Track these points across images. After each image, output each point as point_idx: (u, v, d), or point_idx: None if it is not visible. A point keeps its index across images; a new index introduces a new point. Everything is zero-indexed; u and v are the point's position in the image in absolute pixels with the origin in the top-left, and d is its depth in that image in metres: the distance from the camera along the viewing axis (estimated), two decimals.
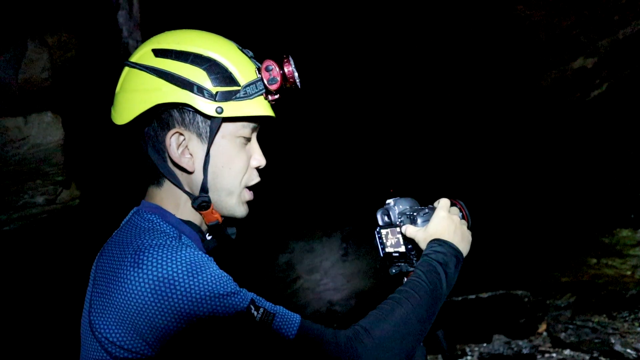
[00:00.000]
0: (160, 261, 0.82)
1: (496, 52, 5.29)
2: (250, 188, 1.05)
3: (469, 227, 1.19)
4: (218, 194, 0.99)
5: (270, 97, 1.00)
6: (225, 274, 0.87)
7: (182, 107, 0.94)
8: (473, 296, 5.16)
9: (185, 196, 1.00)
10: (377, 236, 1.23)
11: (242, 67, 0.97)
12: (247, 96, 0.96)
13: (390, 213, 1.19)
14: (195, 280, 0.82)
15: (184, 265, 0.82)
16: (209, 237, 1.07)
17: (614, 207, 5.89)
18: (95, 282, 0.90)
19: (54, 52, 2.82)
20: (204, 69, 0.94)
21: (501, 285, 5.33)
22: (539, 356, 4.30)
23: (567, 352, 4.31)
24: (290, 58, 1.00)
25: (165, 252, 0.84)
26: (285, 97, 1.03)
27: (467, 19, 5.03)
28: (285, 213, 6.93)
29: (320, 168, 6.75)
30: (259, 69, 0.99)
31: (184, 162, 0.96)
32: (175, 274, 0.81)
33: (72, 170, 3.24)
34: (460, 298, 5.17)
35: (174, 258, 0.83)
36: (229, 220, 1.06)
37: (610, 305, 4.64)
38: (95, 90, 3.18)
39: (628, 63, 5.11)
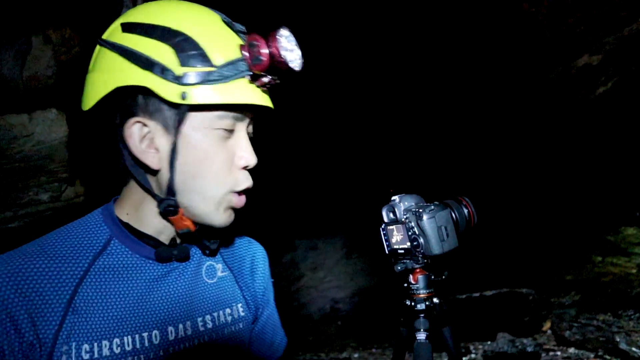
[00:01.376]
0: None
1: (501, 49, 5.27)
2: (242, 192, 0.86)
3: (475, 223, 1.18)
4: (189, 197, 0.82)
5: (259, 81, 0.80)
6: None
7: (146, 91, 0.78)
8: (477, 294, 5.15)
9: (150, 198, 0.84)
10: (382, 233, 1.22)
11: (220, 43, 0.79)
12: (222, 79, 0.77)
13: (396, 210, 1.18)
14: None
15: None
16: (173, 243, 0.89)
17: (620, 205, 5.86)
18: None
19: (58, 49, 2.82)
20: (171, 45, 0.77)
21: (505, 283, 5.32)
22: (543, 354, 4.28)
23: (571, 350, 4.30)
24: (282, 31, 0.79)
25: None
26: (287, 83, 0.83)
27: (472, 15, 5.01)
28: (289, 211, 6.94)
29: (325, 166, 6.75)
30: (243, 47, 0.79)
31: (148, 159, 0.81)
32: None
33: (76, 168, 3.25)
34: (464, 296, 5.16)
35: None
36: (207, 228, 0.88)
37: (615, 304, 4.61)
38: None
39: (633, 60, 5.08)
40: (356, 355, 5.32)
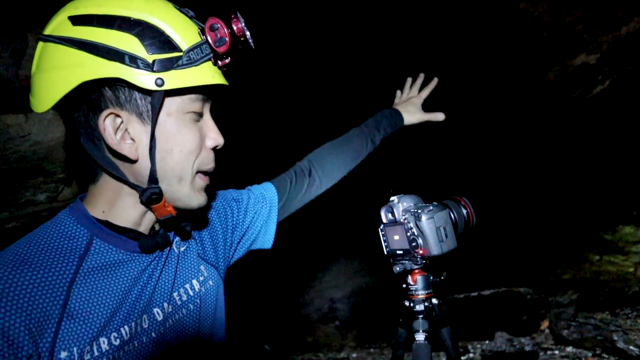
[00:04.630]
0: None
1: (498, 48, 5.27)
2: (205, 173, 0.91)
3: (474, 224, 1.18)
4: (168, 182, 0.85)
5: (220, 62, 0.85)
6: None
7: (113, 83, 0.79)
8: (475, 293, 5.15)
9: (127, 190, 0.85)
10: (381, 233, 1.22)
11: (181, 28, 0.81)
12: (191, 62, 0.80)
13: (395, 210, 1.18)
14: None
15: None
16: (156, 232, 0.93)
17: (617, 204, 5.88)
18: None
19: None
20: (134, 35, 0.78)
21: (503, 282, 5.32)
22: (541, 353, 4.29)
23: (569, 349, 4.30)
24: (239, 14, 0.85)
25: None
26: (238, 61, 0.88)
27: (469, 14, 5.01)
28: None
29: None
30: (202, 30, 0.83)
31: (125, 149, 0.81)
32: None
33: (73, 168, 3.24)
34: (462, 295, 5.16)
35: None
36: (183, 212, 0.91)
37: (612, 302, 4.63)
38: None
39: (631, 60, 5.09)
40: (354, 355, 5.32)
